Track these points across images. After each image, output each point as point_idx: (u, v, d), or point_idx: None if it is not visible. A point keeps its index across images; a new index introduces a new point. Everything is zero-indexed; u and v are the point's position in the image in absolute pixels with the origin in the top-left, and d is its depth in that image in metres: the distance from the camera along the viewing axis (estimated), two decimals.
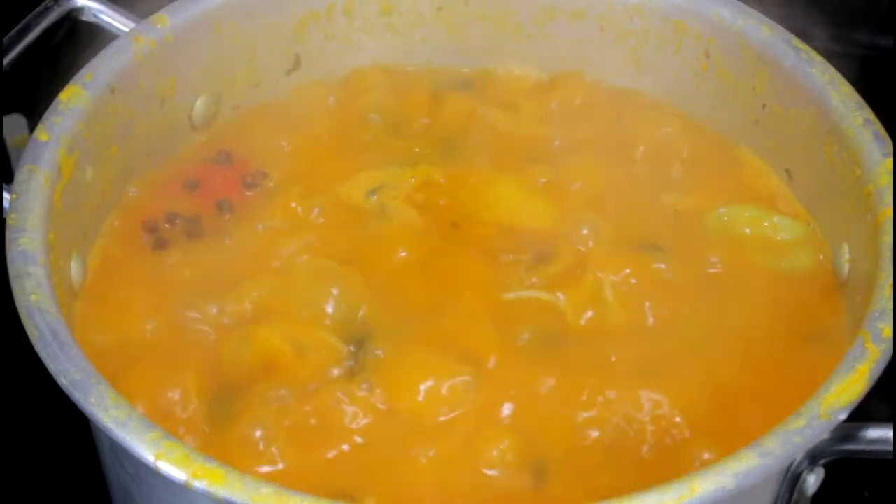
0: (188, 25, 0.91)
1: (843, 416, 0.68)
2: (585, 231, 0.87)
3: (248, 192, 0.91)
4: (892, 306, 0.73)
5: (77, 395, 0.69)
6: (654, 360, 0.80)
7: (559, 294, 0.84)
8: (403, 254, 0.86)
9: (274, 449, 0.75)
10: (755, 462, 0.66)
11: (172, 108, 0.92)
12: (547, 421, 0.77)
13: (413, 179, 0.91)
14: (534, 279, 0.85)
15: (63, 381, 0.69)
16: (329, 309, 0.82)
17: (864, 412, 0.71)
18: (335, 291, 0.82)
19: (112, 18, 0.92)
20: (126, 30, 0.91)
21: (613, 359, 0.80)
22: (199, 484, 0.65)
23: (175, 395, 0.77)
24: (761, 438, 0.67)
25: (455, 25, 1.00)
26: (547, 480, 0.75)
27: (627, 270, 0.84)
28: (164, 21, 0.91)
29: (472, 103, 0.97)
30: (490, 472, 0.75)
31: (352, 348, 0.80)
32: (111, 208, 0.89)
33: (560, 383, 0.78)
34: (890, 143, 0.82)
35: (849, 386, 0.69)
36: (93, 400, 0.68)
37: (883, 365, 0.70)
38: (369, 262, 0.85)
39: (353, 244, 0.86)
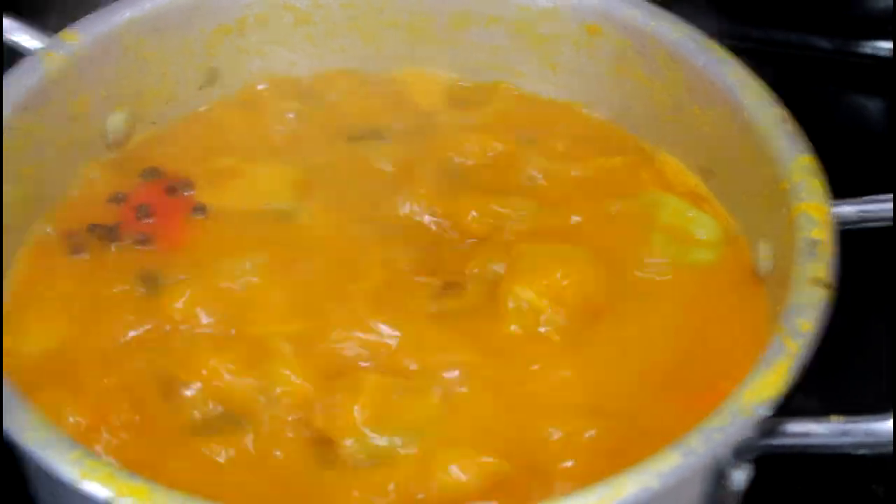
0: (97, 42, 0.90)
1: (763, 412, 0.69)
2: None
3: (169, 201, 0.90)
4: (809, 301, 0.73)
5: None
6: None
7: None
8: None
9: None
10: (679, 461, 0.66)
11: (85, 126, 0.91)
12: None
13: None
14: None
15: None
16: None
17: (795, 408, 0.71)
18: None
19: (19, 36, 0.90)
20: (35, 47, 0.89)
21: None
22: (124, 502, 0.65)
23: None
24: (684, 437, 0.67)
25: (370, 34, 1.00)
26: None
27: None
28: (74, 37, 0.90)
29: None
30: None
31: None
32: (26, 229, 0.87)
33: None
34: (803, 140, 0.83)
35: (769, 382, 0.69)
36: (12, 420, 0.68)
37: (802, 360, 0.71)
38: None
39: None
